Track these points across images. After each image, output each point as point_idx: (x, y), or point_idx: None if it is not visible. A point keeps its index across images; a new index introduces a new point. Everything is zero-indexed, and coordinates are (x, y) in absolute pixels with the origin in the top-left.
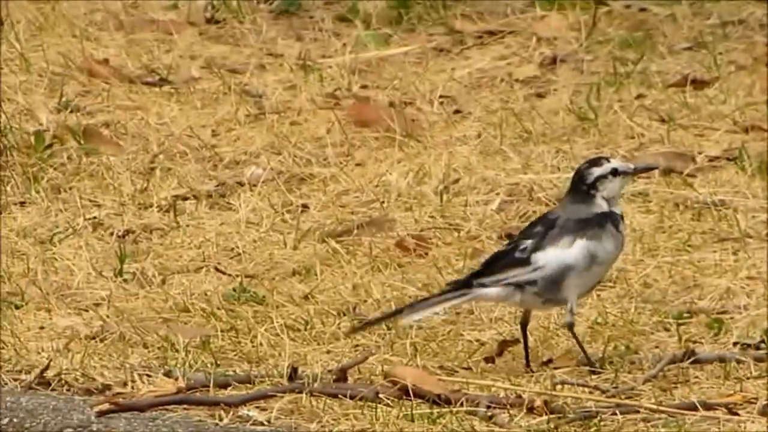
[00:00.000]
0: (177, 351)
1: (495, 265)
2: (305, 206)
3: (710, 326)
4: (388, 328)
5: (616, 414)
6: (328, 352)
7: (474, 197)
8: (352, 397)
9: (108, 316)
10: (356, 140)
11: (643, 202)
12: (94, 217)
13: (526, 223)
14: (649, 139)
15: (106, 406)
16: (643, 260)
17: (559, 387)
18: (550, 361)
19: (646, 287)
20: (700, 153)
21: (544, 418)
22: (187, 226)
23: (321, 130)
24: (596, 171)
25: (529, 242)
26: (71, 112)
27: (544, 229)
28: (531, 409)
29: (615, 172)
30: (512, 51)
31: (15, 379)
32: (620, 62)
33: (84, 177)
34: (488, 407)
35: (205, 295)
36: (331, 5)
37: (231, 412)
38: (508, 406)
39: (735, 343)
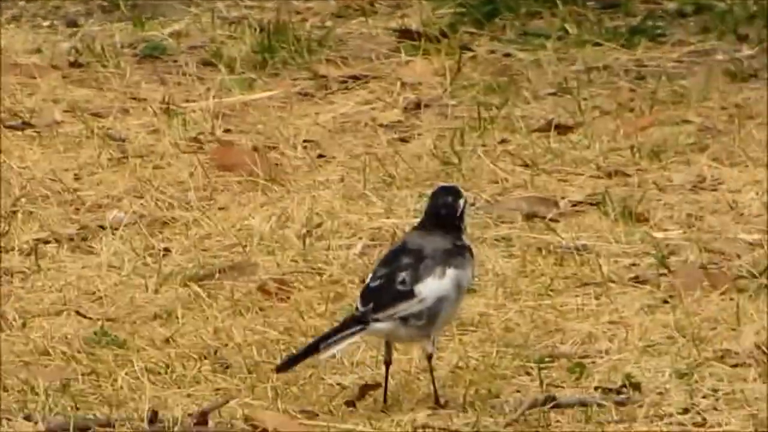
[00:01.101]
0: (37, 394)
1: (382, 299)
2: (167, 250)
3: (572, 371)
4: (249, 372)
5: None
6: (189, 395)
7: (337, 241)
8: None
9: None
10: (219, 184)
11: (506, 246)
12: None
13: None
14: (513, 184)
15: None
16: (505, 305)
17: (420, 431)
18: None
19: (507, 332)
20: (563, 198)
21: None
22: (49, 269)
23: (184, 174)
24: (461, 203)
25: (404, 274)
26: None
27: (414, 260)
28: None
29: (466, 202)
30: (376, 96)
31: None
32: (484, 107)
33: None
34: None
35: (66, 338)
36: (195, 50)
37: None
38: None
39: (596, 388)
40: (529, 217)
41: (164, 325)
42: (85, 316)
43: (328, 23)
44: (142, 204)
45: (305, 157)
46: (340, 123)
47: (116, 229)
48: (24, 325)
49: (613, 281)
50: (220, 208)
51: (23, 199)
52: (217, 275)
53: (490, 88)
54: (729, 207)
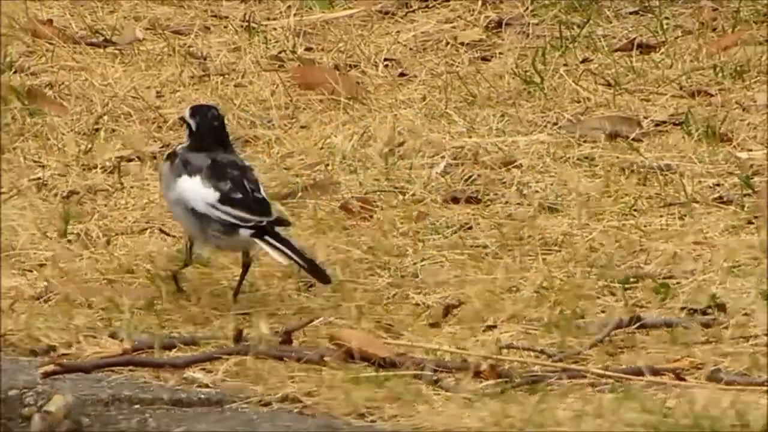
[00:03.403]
0: (122, 312)
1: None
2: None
3: (657, 291)
4: (333, 291)
5: (562, 379)
6: (273, 314)
7: (419, 160)
8: (297, 360)
9: (52, 277)
10: (301, 103)
11: (589, 166)
12: (39, 178)
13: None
14: (595, 103)
15: (51, 368)
16: (588, 224)
17: (505, 351)
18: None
19: (592, 251)
20: (646, 118)
21: (491, 382)
22: (132, 187)
23: (265, 93)
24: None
25: (250, 185)
26: (15, 72)
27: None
28: (477, 373)
29: None
30: (457, 14)
31: None
32: (566, 26)
33: (28, 137)
34: (434, 371)
35: (150, 256)
36: None
37: (176, 374)
38: (454, 370)
39: (682, 309)
40: (612, 136)
41: None
42: (168, 234)
43: None
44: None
45: (387, 76)
46: (421, 41)
47: None
48: (108, 242)
49: (696, 201)
50: (302, 127)
51: (105, 117)
52: (299, 194)
53: (572, 6)
54: None
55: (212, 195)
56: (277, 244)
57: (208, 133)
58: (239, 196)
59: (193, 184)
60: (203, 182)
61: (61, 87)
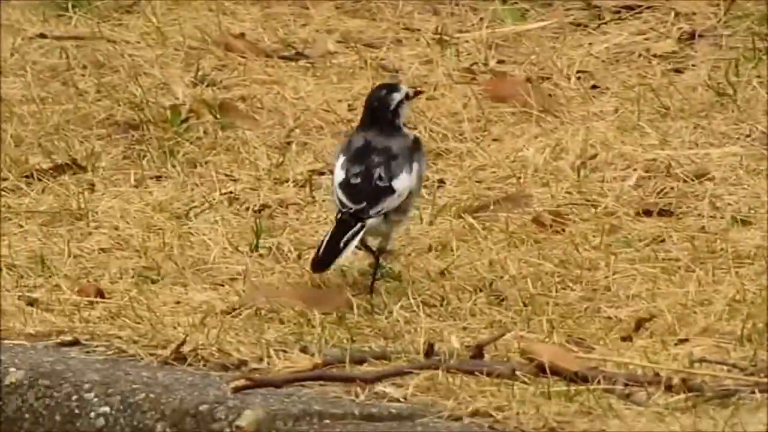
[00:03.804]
0: (313, 327)
1: (367, 196)
2: (441, 181)
3: None
4: (525, 304)
5: (755, 392)
6: (465, 328)
7: (611, 173)
8: (488, 374)
9: (244, 291)
10: (493, 115)
11: None
12: (230, 192)
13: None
14: None
15: (242, 382)
16: None
17: (697, 365)
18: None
19: None
20: None
21: (682, 396)
22: (323, 200)
23: (457, 105)
24: (396, 96)
25: (378, 171)
26: (207, 86)
27: (384, 158)
28: (669, 387)
29: (408, 97)
30: (650, 26)
31: (151, 354)
32: (759, 37)
33: (220, 151)
34: (626, 385)
35: (341, 270)
36: None
37: (367, 389)
38: (646, 384)
39: None
40: None
41: (439, 257)
42: (359, 248)
43: None
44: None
45: (579, 88)
46: (613, 53)
47: None
48: (299, 257)
49: None
50: (494, 140)
51: (297, 130)
52: (491, 207)
53: (765, 17)
54: None
55: None
56: None
57: None
58: None
59: None
60: None
61: (253, 100)
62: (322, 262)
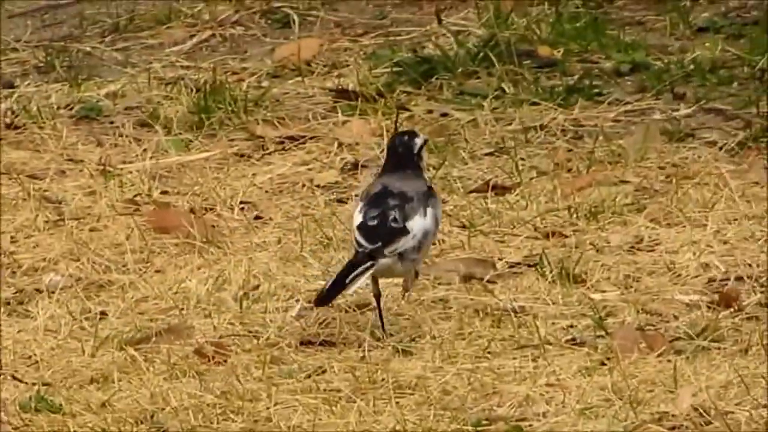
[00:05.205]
0: None
1: (382, 237)
2: (103, 313)
3: None
4: None
5: None
6: None
7: (274, 303)
8: None
9: None
10: (156, 246)
11: (443, 308)
12: None
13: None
14: (450, 245)
15: None
16: (442, 367)
17: None
18: None
19: (445, 394)
20: (500, 259)
21: None
22: None
23: (120, 237)
24: (418, 141)
25: (394, 213)
26: None
27: (400, 202)
28: None
29: (426, 142)
30: (314, 156)
31: None
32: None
33: None
34: None
35: (2, 403)
36: (131, 110)
37: None
38: None
39: None
40: (467, 278)
41: (101, 389)
42: (21, 381)
43: (265, 83)
44: (78, 267)
45: (242, 219)
46: (277, 184)
47: (53, 292)
48: None
49: (550, 343)
50: (156, 271)
51: None
52: (153, 338)
53: (428, 148)
54: (666, 268)
55: None
56: None
57: None
58: None
59: None
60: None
61: None
62: (324, 298)
